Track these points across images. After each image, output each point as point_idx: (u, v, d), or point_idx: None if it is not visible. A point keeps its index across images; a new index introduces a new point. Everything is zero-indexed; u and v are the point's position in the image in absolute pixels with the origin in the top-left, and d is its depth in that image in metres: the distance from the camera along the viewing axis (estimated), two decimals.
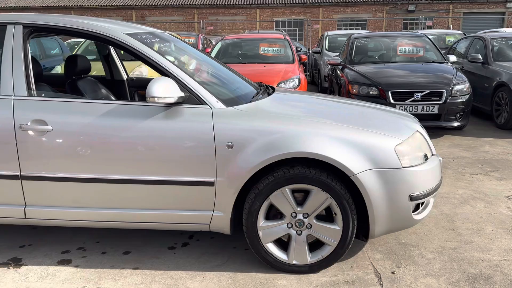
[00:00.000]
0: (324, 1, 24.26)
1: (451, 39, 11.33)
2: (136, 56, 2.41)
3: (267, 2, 24.46)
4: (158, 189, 2.32)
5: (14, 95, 2.34)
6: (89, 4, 24.68)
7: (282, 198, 2.28)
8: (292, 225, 2.33)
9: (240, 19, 24.30)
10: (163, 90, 2.18)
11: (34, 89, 2.40)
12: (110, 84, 3.65)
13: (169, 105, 2.29)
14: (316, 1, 24.21)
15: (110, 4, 24.55)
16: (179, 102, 2.27)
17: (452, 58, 6.50)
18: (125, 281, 2.31)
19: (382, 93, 5.47)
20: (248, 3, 24.48)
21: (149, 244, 2.72)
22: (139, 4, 24.52)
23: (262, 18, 24.38)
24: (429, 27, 23.26)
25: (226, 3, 24.53)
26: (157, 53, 2.41)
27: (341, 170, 2.22)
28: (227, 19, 24.31)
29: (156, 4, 24.50)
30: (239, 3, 24.52)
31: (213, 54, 7.26)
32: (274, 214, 2.36)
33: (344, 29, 23.51)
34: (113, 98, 3.34)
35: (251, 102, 2.50)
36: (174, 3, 24.51)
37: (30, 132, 2.30)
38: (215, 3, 24.55)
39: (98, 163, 2.30)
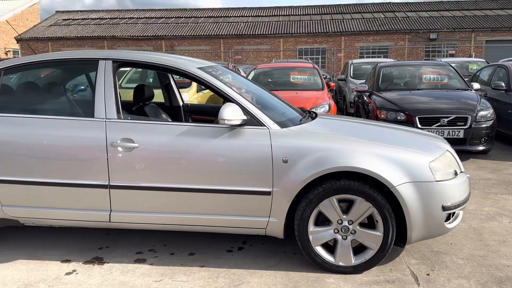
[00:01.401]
0: (346, 30, 24.97)
1: (474, 67, 11.62)
2: (205, 85, 2.89)
3: (290, 31, 25.35)
4: (223, 197, 2.74)
5: (106, 118, 2.83)
6: (121, 35, 26.10)
7: (330, 206, 2.65)
8: (338, 231, 2.69)
9: (264, 48, 25.20)
10: (232, 114, 2.63)
11: (121, 113, 2.90)
12: (168, 110, 4.16)
13: (234, 127, 2.73)
14: (339, 30, 24.94)
15: (142, 35, 25.90)
16: (242, 124, 2.72)
17: (476, 85, 6.82)
18: (195, 276, 2.70)
19: (409, 118, 5.82)
20: (272, 32, 25.43)
21: (209, 247, 3.12)
22: (169, 34, 25.78)
23: (285, 47, 25.22)
24: (451, 55, 23.54)
25: (251, 33, 25.54)
26: (222, 83, 2.88)
27: (382, 183, 2.59)
28: (252, 48, 25.26)
29: (184, 34, 25.72)
30: (264, 32, 25.49)
31: None
32: (322, 220, 2.73)
33: (366, 57, 24.04)
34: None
35: (300, 124, 2.93)
36: (202, 34, 25.67)
37: (119, 149, 2.77)
38: (240, 33, 25.59)
39: (174, 175, 2.74)
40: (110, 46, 26.00)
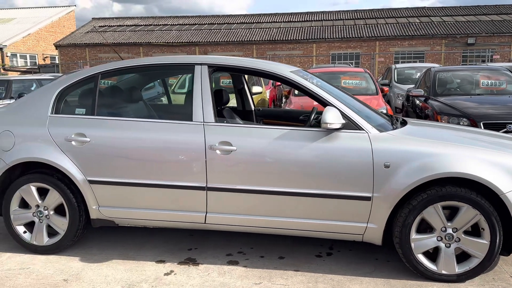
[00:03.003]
0: (381, 34, 24.66)
1: None
2: (299, 89, 2.90)
3: (323, 36, 25.24)
4: (319, 201, 2.72)
5: (204, 122, 2.87)
6: (156, 41, 26.65)
7: (434, 213, 2.60)
8: (441, 238, 2.63)
9: (297, 53, 25.18)
10: (333, 118, 2.62)
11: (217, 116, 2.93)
12: (241, 114, 4.19)
13: (331, 130, 2.72)
14: (373, 35, 24.66)
15: (176, 41, 26.37)
16: (339, 128, 2.70)
17: None
18: (293, 280, 2.69)
19: (473, 124, 5.66)
20: (305, 38, 25.38)
21: (297, 251, 3.11)
22: (202, 41, 26.14)
23: (318, 52, 25.12)
24: (491, 60, 22.84)
25: (283, 39, 25.57)
26: (317, 87, 2.88)
27: (489, 189, 2.52)
28: (284, 53, 25.28)
29: (218, 40, 26.01)
30: (296, 38, 25.48)
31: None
32: (424, 227, 2.67)
33: (401, 62, 23.65)
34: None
35: (397, 129, 2.88)
36: (235, 40, 25.89)
37: (218, 152, 2.80)
38: (273, 39, 25.67)
39: (271, 178, 2.75)
40: (145, 53, 26.58)
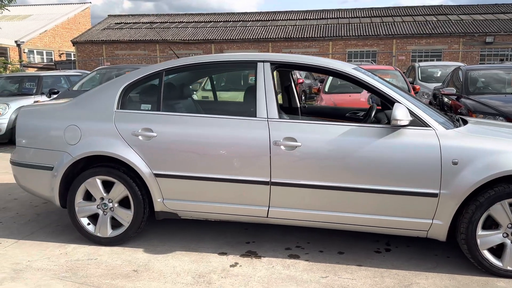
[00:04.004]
0: (398, 32, 24.49)
1: None
2: (363, 86, 2.93)
3: (340, 34, 25.14)
4: (385, 197, 2.76)
5: (268, 118, 2.93)
6: (172, 39, 26.78)
7: (501, 210, 2.62)
8: (507, 235, 2.65)
9: (312, 51, 25.12)
10: (403, 115, 2.65)
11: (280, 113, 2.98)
12: (288, 111, 4.24)
13: (396, 127, 2.75)
14: (390, 33, 24.50)
15: (192, 39, 26.48)
16: (406, 125, 2.73)
17: None
18: (358, 274, 2.74)
19: (509, 122, 5.63)
20: (321, 35, 25.31)
21: (355, 246, 3.15)
22: (218, 38, 26.22)
23: (334, 50, 25.04)
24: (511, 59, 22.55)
25: (299, 36, 25.53)
26: (381, 83, 2.91)
27: None
28: (300, 51, 25.23)
29: (233, 38, 26.06)
30: (312, 36, 25.42)
31: (326, 87, 7.83)
32: (489, 224, 2.70)
33: (419, 60, 23.47)
34: None
35: (462, 126, 2.91)
36: (251, 37, 25.92)
37: (282, 147, 2.85)
38: (289, 37, 25.63)
39: (336, 174, 2.79)
40: (162, 50, 26.73)
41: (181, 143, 2.98)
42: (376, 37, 24.62)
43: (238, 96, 7.21)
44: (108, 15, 33.20)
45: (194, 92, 7.27)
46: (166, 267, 2.85)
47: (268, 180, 2.89)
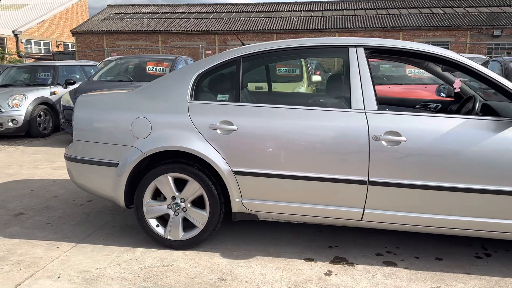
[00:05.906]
0: (405, 24, 24.20)
1: None
2: (472, 73, 2.63)
3: (346, 26, 24.80)
4: (502, 199, 2.47)
5: (365, 109, 2.63)
6: (175, 29, 26.25)
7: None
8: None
9: None
10: None
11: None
12: None
13: None
14: (397, 25, 24.20)
15: (195, 30, 25.98)
16: None
17: None
18: (472, 284, 2.47)
19: None
20: (326, 27, 24.95)
21: (451, 252, 2.88)
22: (222, 29, 25.74)
23: None
24: None
25: (304, 28, 25.15)
26: (492, 72, 2.62)
27: None
28: None
29: (237, 29, 25.60)
30: (318, 27, 25.05)
31: None
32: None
33: None
34: None
35: None
36: (255, 29, 25.48)
37: (383, 143, 2.56)
38: (294, 28, 25.24)
39: (449, 172, 2.48)
40: (164, 41, 26.21)
41: (265, 137, 2.67)
42: (383, 29, 24.30)
43: (289, 87, 6.88)
44: (108, 5, 32.49)
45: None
46: (254, 275, 2.55)
47: (365, 179, 2.60)
